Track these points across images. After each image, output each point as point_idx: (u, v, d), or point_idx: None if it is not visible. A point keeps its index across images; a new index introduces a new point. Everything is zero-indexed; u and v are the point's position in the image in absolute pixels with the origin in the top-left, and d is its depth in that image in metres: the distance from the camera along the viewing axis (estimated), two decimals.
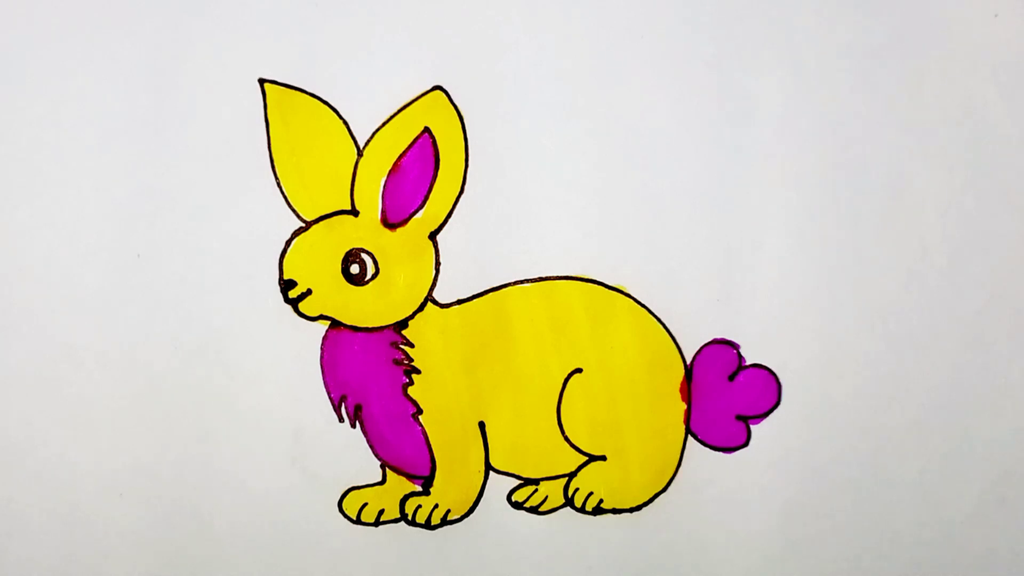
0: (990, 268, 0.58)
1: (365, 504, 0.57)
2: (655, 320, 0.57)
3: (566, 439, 0.57)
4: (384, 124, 0.54)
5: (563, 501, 0.58)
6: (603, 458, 0.58)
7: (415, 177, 0.54)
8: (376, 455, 0.57)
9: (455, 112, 0.54)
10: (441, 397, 0.56)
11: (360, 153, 0.54)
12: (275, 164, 0.54)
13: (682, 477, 0.58)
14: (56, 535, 0.57)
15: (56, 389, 0.55)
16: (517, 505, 0.58)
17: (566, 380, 0.57)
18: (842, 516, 0.60)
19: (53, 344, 0.55)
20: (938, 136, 0.57)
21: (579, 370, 0.57)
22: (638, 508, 0.59)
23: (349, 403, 0.56)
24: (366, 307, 0.55)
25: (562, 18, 0.55)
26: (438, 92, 0.54)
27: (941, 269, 0.58)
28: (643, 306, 0.57)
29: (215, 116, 0.54)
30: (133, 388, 0.55)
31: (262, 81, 0.54)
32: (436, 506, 0.57)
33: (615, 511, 0.59)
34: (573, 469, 0.58)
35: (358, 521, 0.57)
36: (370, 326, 0.55)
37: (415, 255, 0.55)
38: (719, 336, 0.57)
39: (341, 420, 0.56)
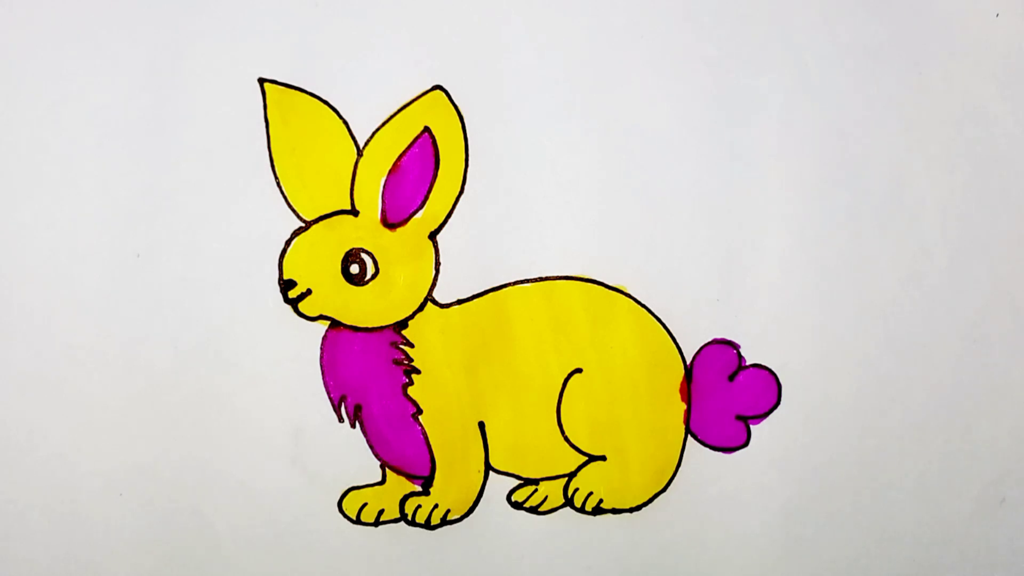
0: (990, 268, 0.58)
1: (365, 504, 0.57)
2: (655, 320, 0.57)
3: (566, 439, 0.57)
4: (384, 124, 0.54)
5: (563, 501, 0.58)
6: (603, 458, 0.58)
7: (415, 177, 0.54)
8: (376, 455, 0.57)
9: (455, 112, 0.54)
10: (441, 397, 0.56)
11: (360, 153, 0.54)
12: (275, 164, 0.54)
13: (682, 477, 0.58)
14: (56, 535, 0.57)
15: (56, 389, 0.55)
16: (517, 505, 0.58)
17: (566, 380, 0.57)
18: (842, 516, 0.60)
19: (53, 344, 0.55)
20: (938, 136, 0.57)
21: (579, 370, 0.57)
22: (638, 508, 0.59)
23: (349, 403, 0.56)
24: (366, 307, 0.55)
25: (562, 18, 0.55)
26: (438, 92, 0.54)
27: (941, 269, 0.58)
28: (643, 306, 0.57)
29: (215, 116, 0.54)
30: (133, 388, 0.55)
31: (262, 81, 0.54)
32: (436, 506, 0.57)
33: (615, 511, 0.59)
34: (573, 469, 0.58)
35: (358, 521, 0.57)
36: (370, 326, 0.55)
37: (415, 255, 0.55)
38: (719, 336, 0.57)
39: (341, 420, 0.56)
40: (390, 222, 0.55)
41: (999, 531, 0.61)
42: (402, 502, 0.57)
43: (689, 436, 0.58)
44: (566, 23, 0.55)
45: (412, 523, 0.58)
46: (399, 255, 0.55)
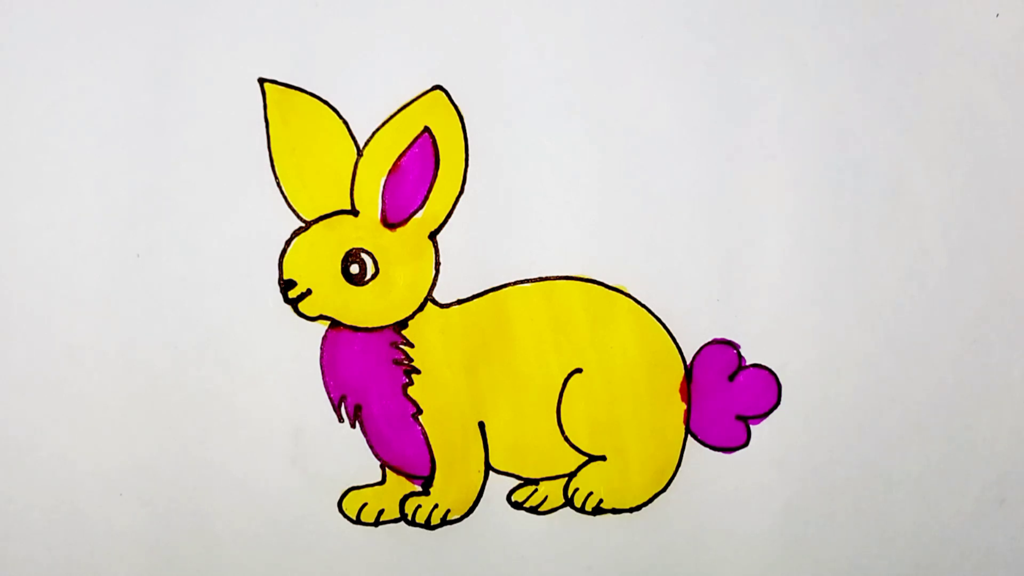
0: (990, 268, 0.58)
1: (365, 504, 0.57)
2: (655, 320, 0.57)
3: (566, 439, 0.57)
4: (384, 124, 0.54)
5: (563, 501, 0.58)
6: (603, 458, 0.58)
7: (415, 177, 0.54)
8: (376, 455, 0.57)
9: (455, 112, 0.54)
10: (441, 397, 0.56)
11: (360, 153, 0.54)
12: (275, 164, 0.54)
13: (682, 477, 0.58)
14: (56, 535, 0.57)
15: (56, 389, 0.55)
16: (517, 505, 0.58)
17: (566, 380, 0.57)
18: (842, 516, 0.60)
19: (53, 344, 0.55)
20: (938, 136, 0.57)
21: (579, 370, 0.57)
22: (638, 508, 0.59)
23: (349, 403, 0.56)
24: (366, 307, 0.55)
25: (562, 18, 0.55)
26: (438, 92, 0.54)
27: (941, 269, 0.58)
28: (643, 306, 0.57)
29: (215, 116, 0.54)
30: (133, 388, 0.55)
31: (262, 81, 0.54)
32: (436, 506, 0.57)
33: (615, 511, 0.59)
34: (573, 469, 0.58)
35: (358, 521, 0.57)
36: (370, 326, 0.55)
37: (415, 255, 0.55)
38: (719, 336, 0.57)
39: (341, 420, 0.56)
40: (390, 222, 0.55)
41: (999, 531, 0.61)
42: (402, 502, 0.57)
43: (689, 436, 0.58)
44: (566, 23, 0.55)
45: (412, 523, 0.58)
46: (399, 255, 0.55)
